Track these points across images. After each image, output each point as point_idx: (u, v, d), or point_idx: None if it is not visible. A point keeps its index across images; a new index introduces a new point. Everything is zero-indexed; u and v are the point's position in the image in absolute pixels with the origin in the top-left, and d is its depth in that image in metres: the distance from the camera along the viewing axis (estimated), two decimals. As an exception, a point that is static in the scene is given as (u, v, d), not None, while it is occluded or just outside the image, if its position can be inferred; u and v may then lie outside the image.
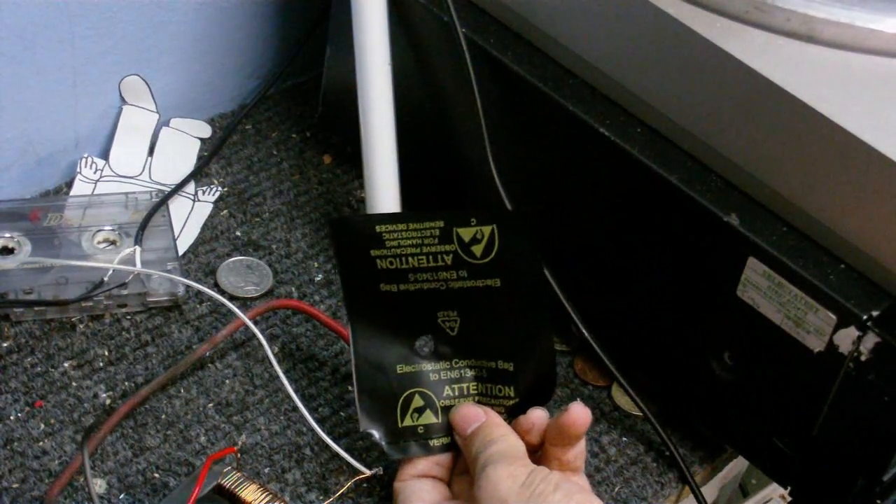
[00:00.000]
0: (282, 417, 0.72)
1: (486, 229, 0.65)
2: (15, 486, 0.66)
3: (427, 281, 0.66)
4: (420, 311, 0.67)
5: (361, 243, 0.65)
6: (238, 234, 0.82)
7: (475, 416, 0.65)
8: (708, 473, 0.75)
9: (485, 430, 0.64)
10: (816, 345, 0.61)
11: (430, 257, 0.65)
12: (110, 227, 0.78)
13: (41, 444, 0.68)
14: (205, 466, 0.64)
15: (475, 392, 0.67)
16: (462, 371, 0.67)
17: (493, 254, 0.65)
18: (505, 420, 0.66)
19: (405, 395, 0.67)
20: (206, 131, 0.88)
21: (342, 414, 0.73)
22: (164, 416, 0.71)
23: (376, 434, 0.67)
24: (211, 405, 0.72)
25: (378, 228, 0.65)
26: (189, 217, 0.82)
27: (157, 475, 0.68)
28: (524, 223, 0.65)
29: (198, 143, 0.87)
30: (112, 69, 0.82)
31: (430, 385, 0.67)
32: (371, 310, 0.67)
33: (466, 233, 0.65)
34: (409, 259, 0.66)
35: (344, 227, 0.66)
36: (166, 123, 0.87)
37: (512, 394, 0.66)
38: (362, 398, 0.67)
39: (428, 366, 0.67)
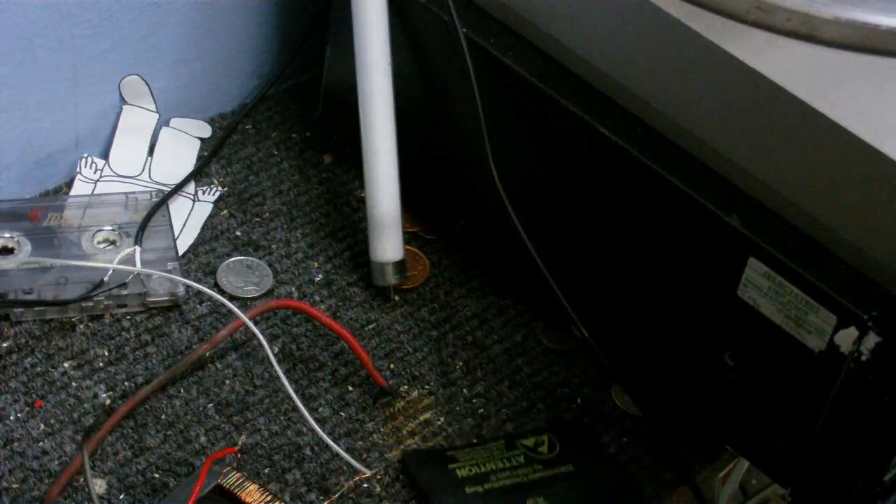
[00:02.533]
0: (282, 418, 0.72)
1: (543, 437, 0.73)
2: (15, 486, 0.66)
3: (508, 477, 0.71)
4: (509, 502, 0.70)
5: (438, 462, 0.71)
6: (238, 233, 0.82)
7: None
8: (708, 473, 0.75)
9: None
10: (817, 345, 0.61)
11: (504, 460, 0.72)
12: (110, 227, 0.78)
13: (41, 444, 0.68)
14: (205, 467, 0.64)
15: None
16: None
17: (558, 450, 0.72)
18: None
19: None
20: (206, 131, 0.88)
21: (342, 414, 0.72)
22: (164, 417, 0.71)
23: None
24: (211, 405, 0.72)
25: (449, 453, 0.72)
26: (189, 217, 0.82)
27: (156, 475, 0.68)
28: (578, 430, 0.74)
29: (198, 143, 0.87)
30: (112, 69, 0.82)
31: None
32: None
33: (528, 441, 0.73)
34: (486, 464, 0.71)
35: (417, 456, 0.71)
36: (166, 123, 0.87)
37: None
38: None
39: None
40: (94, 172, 0.83)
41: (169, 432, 0.70)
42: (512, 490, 0.70)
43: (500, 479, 0.71)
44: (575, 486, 0.71)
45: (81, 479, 0.66)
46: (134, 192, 0.81)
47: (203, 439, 0.70)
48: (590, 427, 0.74)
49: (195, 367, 0.73)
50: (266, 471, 0.69)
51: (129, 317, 0.76)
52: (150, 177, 0.84)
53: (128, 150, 0.84)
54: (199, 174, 0.85)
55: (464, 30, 0.72)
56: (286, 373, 0.72)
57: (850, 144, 0.58)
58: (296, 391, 0.71)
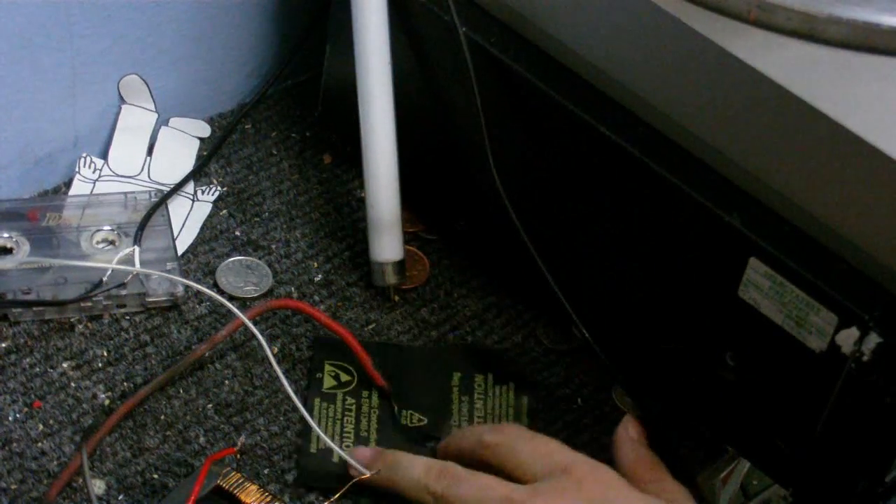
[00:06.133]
0: (281, 418, 0.71)
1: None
2: (13, 487, 0.66)
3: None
4: None
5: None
6: (237, 233, 0.82)
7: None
8: (709, 474, 0.75)
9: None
10: (818, 345, 0.61)
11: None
12: (109, 227, 0.78)
13: (40, 444, 0.68)
14: (204, 467, 0.64)
15: None
16: None
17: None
18: None
19: None
20: (205, 131, 0.88)
21: (342, 414, 0.72)
22: (163, 417, 0.71)
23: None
24: (210, 406, 0.72)
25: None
26: (188, 217, 0.82)
27: (156, 476, 0.68)
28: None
29: (197, 143, 0.87)
30: (111, 68, 0.82)
31: None
32: None
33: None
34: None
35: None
36: (165, 123, 0.87)
37: None
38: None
39: None
40: (93, 172, 0.83)
41: (168, 433, 0.70)
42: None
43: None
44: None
45: (80, 480, 0.66)
46: (133, 192, 0.81)
47: (202, 440, 0.70)
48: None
49: (194, 368, 0.73)
50: (265, 471, 0.69)
51: (128, 317, 0.75)
52: (149, 176, 0.84)
53: (127, 150, 0.84)
54: (198, 174, 0.85)
55: (464, 29, 0.72)
56: (286, 373, 0.72)
57: (851, 144, 0.58)
58: (295, 391, 0.70)
